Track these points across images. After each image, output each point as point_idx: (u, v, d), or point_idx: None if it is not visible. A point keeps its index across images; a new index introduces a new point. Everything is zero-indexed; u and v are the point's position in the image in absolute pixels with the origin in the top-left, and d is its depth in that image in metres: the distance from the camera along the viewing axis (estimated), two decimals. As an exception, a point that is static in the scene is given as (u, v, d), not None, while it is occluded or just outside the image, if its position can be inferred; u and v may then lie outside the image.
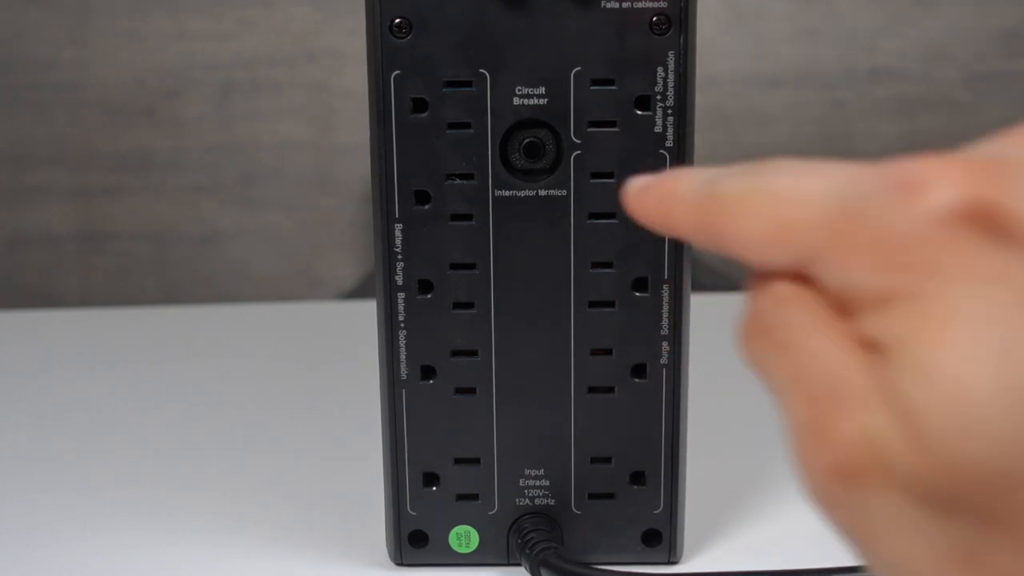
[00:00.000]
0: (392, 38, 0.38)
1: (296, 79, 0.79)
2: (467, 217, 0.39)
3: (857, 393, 0.21)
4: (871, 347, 0.21)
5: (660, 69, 0.38)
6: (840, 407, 0.21)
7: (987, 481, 0.19)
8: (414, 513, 0.42)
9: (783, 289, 0.23)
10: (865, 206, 0.21)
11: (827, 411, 0.21)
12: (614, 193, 0.39)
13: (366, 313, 0.49)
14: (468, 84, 0.38)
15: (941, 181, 0.20)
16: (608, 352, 0.40)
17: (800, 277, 0.23)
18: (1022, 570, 0.20)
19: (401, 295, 0.40)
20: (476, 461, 0.41)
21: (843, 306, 0.22)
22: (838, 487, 0.21)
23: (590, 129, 0.38)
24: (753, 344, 0.24)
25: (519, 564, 0.41)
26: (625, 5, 0.37)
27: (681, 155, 0.39)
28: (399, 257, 0.40)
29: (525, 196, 0.39)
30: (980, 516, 0.20)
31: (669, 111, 0.38)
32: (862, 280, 0.21)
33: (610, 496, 0.41)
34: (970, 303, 0.20)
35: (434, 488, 0.41)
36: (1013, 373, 0.19)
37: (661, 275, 0.39)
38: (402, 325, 0.40)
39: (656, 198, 0.27)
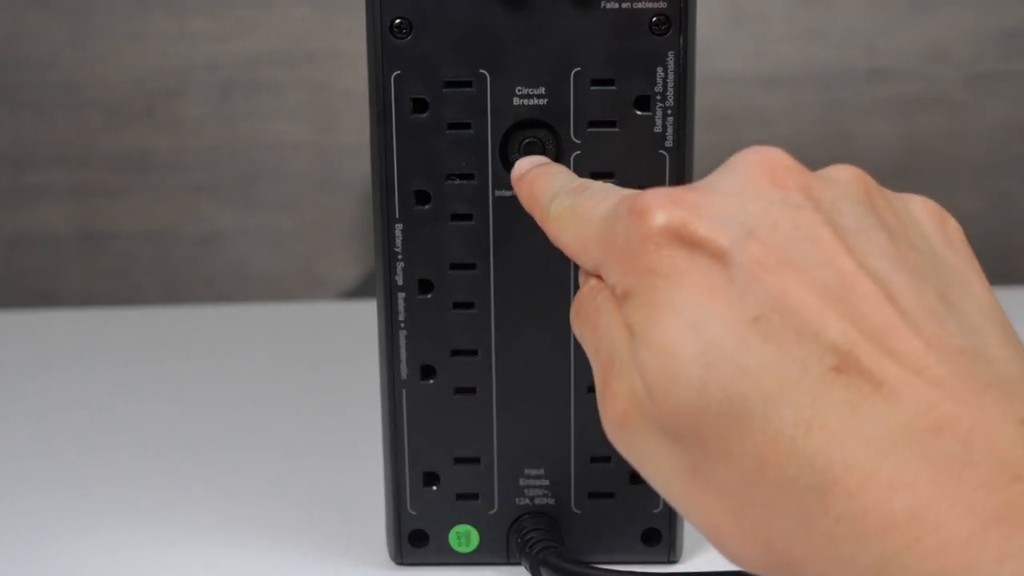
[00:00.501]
0: (392, 38, 0.38)
1: (296, 79, 0.79)
2: (467, 217, 0.39)
3: (624, 361, 0.29)
4: (629, 327, 0.29)
5: (660, 69, 0.38)
6: (615, 372, 0.29)
7: (692, 415, 0.27)
8: (414, 512, 0.42)
9: (592, 282, 0.32)
10: (617, 227, 0.30)
11: (608, 375, 0.30)
12: (614, 193, 0.39)
13: (366, 313, 0.49)
14: (468, 84, 0.38)
15: (657, 209, 0.29)
16: (608, 352, 0.40)
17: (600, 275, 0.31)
18: (728, 476, 0.27)
19: (401, 295, 0.40)
20: (476, 460, 0.41)
21: (617, 299, 0.30)
22: (618, 430, 0.29)
23: (590, 129, 0.38)
24: (576, 322, 0.32)
25: (519, 563, 0.41)
26: (625, 6, 0.37)
27: (681, 155, 0.39)
28: (399, 257, 0.40)
29: (525, 196, 0.39)
30: (695, 441, 0.27)
31: (669, 111, 0.38)
32: (619, 280, 0.30)
33: (610, 495, 0.42)
34: (675, 293, 0.28)
35: (434, 487, 0.42)
36: (701, 339, 0.27)
37: (661, 275, 0.39)
38: (402, 325, 0.40)
39: (525, 192, 0.36)
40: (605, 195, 0.32)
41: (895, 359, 0.26)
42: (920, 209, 0.31)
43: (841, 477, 0.25)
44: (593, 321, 0.31)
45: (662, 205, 0.29)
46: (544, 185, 0.35)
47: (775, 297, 0.27)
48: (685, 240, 0.28)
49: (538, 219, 0.35)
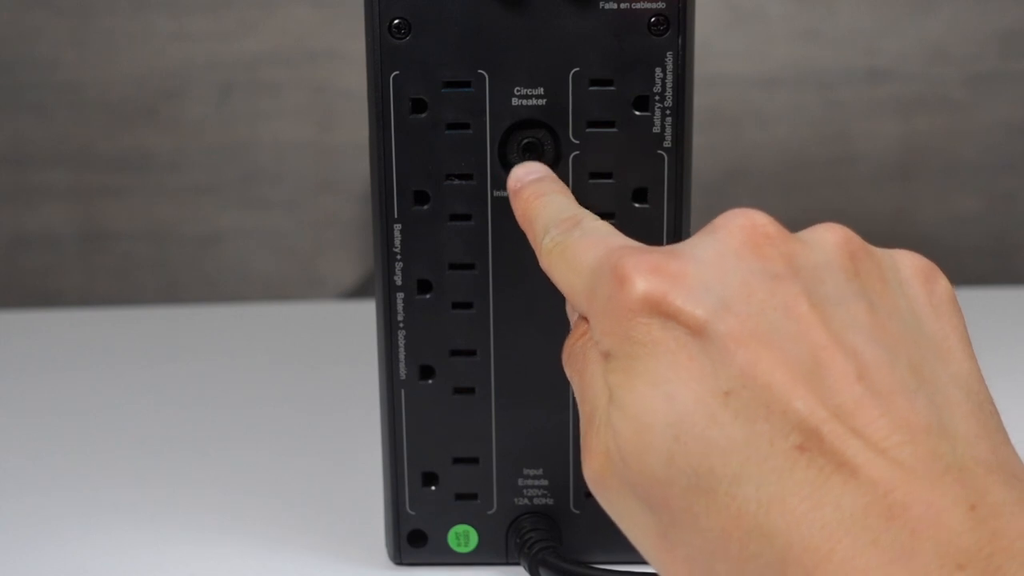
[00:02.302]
0: (391, 39, 0.38)
1: (296, 79, 0.79)
2: (466, 217, 0.39)
3: (603, 420, 0.30)
4: (608, 388, 0.30)
5: (658, 70, 0.38)
6: (594, 430, 0.30)
7: (662, 485, 0.28)
8: (413, 512, 0.42)
9: (583, 327, 0.32)
10: (600, 287, 0.31)
11: (588, 430, 0.30)
12: (613, 194, 0.39)
13: (366, 313, 0.49)
14: (467, 85, 0.38)
15: (638, 278, 0.29)
16: (607, 352, 0.40)
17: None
18: (695, 546, 0.27)
19: (400, 295, 0.40)
20: (475, 461, 0.41)
21: (602, 354, 0.31)
22: (594, 485, 0.30)
23: (588, 130, 0.38)
24: (566, 365, 0.33)
25: (518, 563, 0.41)
26: (623, 6, 0.37)
27: (679, 155, 0.39)
28: (398, 257, 0.40)
29: (524, 196, 0.39)
30: (664, 509, 0.28)
31: (667, 111, 0.38)
32: (600, 339, 0.30)
33: (609, 496, 0.42)
34: (651, 363, 0.29)
35: (433, 488, 0.42)
36: (673, 412, 0.28)
37: (659, 275, 0.39)
38: (401, 325, 0.40)
39: (519, 211, 0.37)
40: (593, 242, 0.33)
41: (860, 437, 0.26)
42: (908, 268, 0.31)
43: (799, 557, 0.25)
44: (580, 368, 0.32)
45: (643, 274, 0.29)
46: (538, 210, 0.36)
47: (745, 372, 0.27)
48: (663, 312, 0.29)
49: (532, 244, 0.36)
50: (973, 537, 0.25)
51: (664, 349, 0.29)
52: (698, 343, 0.28)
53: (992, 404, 0.29)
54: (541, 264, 0.35)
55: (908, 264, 0.31)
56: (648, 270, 0.29)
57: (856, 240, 0.31)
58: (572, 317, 0.35)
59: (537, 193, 0.37)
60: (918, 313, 0.30)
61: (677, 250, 0.30)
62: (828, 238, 0.30)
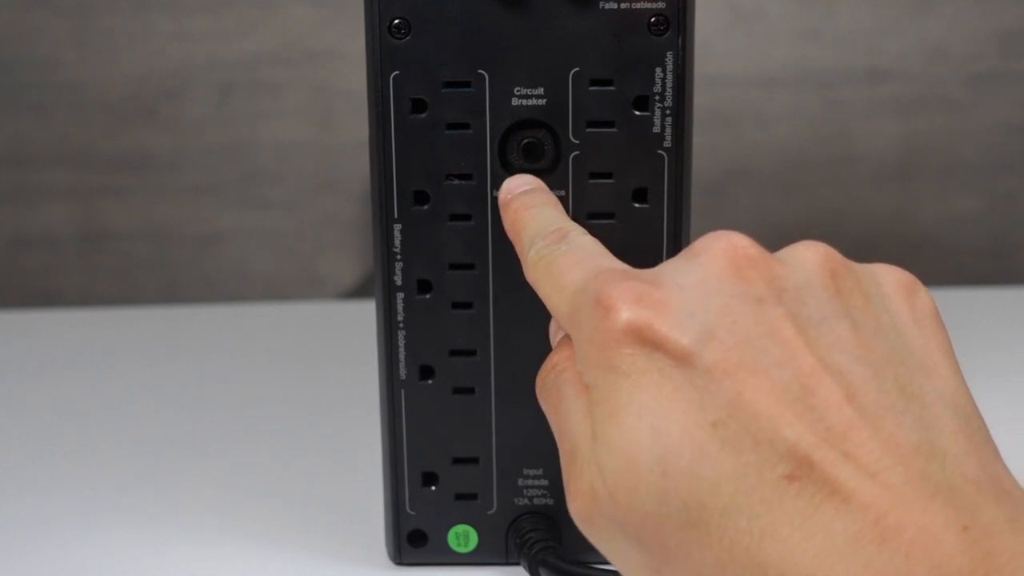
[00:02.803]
0: (391, 39, 0.38)
1: (296, 79, 0.79)
2: (466, 217, 0.39)
3: (586, 459, 0.29)
4: (591, 422, 0.29)
5: (658, 70, 0.38)
6: (577, 470, 0.30)
7: (653, 521, 0.27)
8: (413, 513, 0.42)
9: (555, 359, 0.32)
10: (583, 312, 0.30)
11: (571, 470, 0.30)
12: (612, 194, 0.39)
13: (366, 313, 0.49)
14: (467, 85, 0.38)
15: (622, 307, 0.29)
16: (607, 352, 0.40)
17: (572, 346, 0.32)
18: None
19: (400, 295, 0.40)
20: (475, 461, 0.41)
21: (582, 385, 0.30)
22: (582, 524, 0.30)
23: (588, 130, 0.38)
24: (539, 396, 0.33)
25: (518, 564, 0.41)
26: (623, 6, 0.37)
27: (679, 155, 0.39)
28: (398, 257, 0.40)
29: (524, 196, 0.39)
30: (657, 545, 0.28)
31: (667, 111, 0.38)
32: (583, 370, 0.30)
33: (609, 496, 0.42)
34: (636, 394, 0.28)
35: (433, 488, 0.42)
36: (660, 446, 0.27)
37: (659, 275, 0.39)
38: (401, 325, 0.40)
39: (508, 222, 0.37)
40: (578, 259, 0.32)
41: (850, 461, 0.26)
42: (890, 283, 0.31)
43: None
44: (555, 402, 0.32)
45: (627, 303, 0.29)
46: (526, 221, 0.36)
47: (733, 402, 0.27)
48: (648, 341, 0.28)
49: (519, 255, 0.36)
50: (967, 559, 0.25)
51: (649, 380, 0.28)
52: (683, 373, 0.28)
53: (979, 418, 0.29)
54: (527, 276, 0.34)
55: (889, 279, 0.31)
56: (632, 299, 0.29)
57: (836, 257, 0.30)
58: (554, 340, 0.35)
59: (526, 204, 0.37)
60: (901, 328, 0.30)
61: (660, 277, 0.30)
62: (808, 257, 0.30)
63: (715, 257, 0.30)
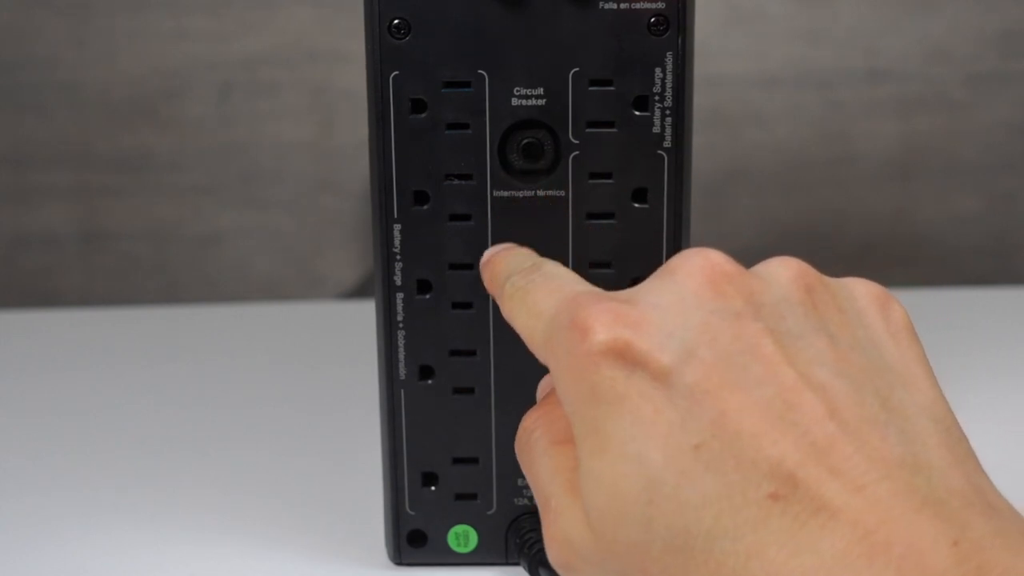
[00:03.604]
0: (391, 39, 0.38)
1: (296, 79, 0.79)
2: (466, 217, 0.39)
3: (556, 506, 0.30)
4: (566, 466, 0.30)
5: (658, 70, 0.38)
6: (551, 519, 0.30)
7: (638, 551, 0.27)
8: (413, 513, 0.42)
9: (530, 420, 0.33)
10: (558, 337, 0.30)
11: (544, 519, 0.31)
12: (612, 194, 0.39)
13: (366, 313, 0.49)
14: (467, 85, 0.38)
15: (597, 326, 0.29)
16: (606, 352, 0.40)
17: (549, 399, 0.33)
18: None
19: (400, 295, 0.40)
20: (475, 461, 0.41)
21: (551, 437, 0.32)
22: (562, 570, 0.30)
23: (588, 130, 0.38)
24: (519, 456, 0.33)
25: (517, 564, 0.41)
26: (623, 6, 0.37)
27: (679, 156, 0.39)
28: (398, 257, 0.40)
29: (523, 196, 0.39)
30: (639, 574, 0.28)
31: (667, 112, 0.38)
32: (564, 403, 0.30)
33: (608, 496, 0.42)
34: (617, 422, 0.28)
35: (433, 488, 0.42)
36: (644, 475, 0.27)
37: (659, 275, 0.39)
38: (401, 325, 0.40)
39: (487, 276, 0.37)
40: (554, 287, 0.32)
41: (836, 477, 0.26)
42: (864, 297, 0.31)
43: None
44: (528, 462, 0.32)
45: (604, 324, 0.29)
46: (502, 266, 0.36)
47: (715, 422, 0.27)
48: (627, 360, 0.28)
49: (496, 298, 0.36)
50: (958, 573, 0.24)
51: (629, 404, 0.28)
52: (664, 393, 0.28)
53: (960, 430, 0.29)
54: (503, 312, 0.34)
55: (863, 292, 0.31)
56: (609, 320, 0.29)
57: (811, 273, 0.30)
58: (539, 397, 0.35)
59: (503, 254, 0.37)
60: (877, 342, 0.30)
61: (636, 297, 0.30)
62: (783, 273, 0.30)
63: (691, 274, 0.30)
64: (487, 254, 0.38)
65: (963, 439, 0.29)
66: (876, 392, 0.28)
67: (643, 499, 0.27)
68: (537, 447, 0.32)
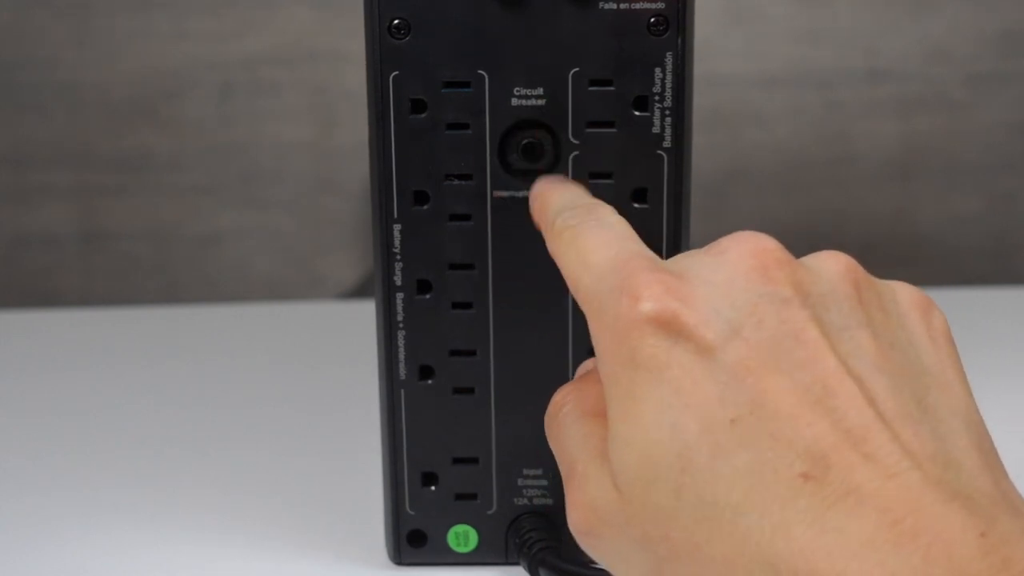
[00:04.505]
0: (390, 39, 0.38)
1: (296, 79, 0.79)
2: (466, 218, 0.39)
3: (586, 470, 0.30)
4: (597, 432, 0.31)
5: (658, 70, 0.38)
6: (575, 482, 0.31)
7: (665, 517, 0.28)
8: (413, 512, 0.42)
9: (561, 395, 0.34)
10: (607, 298, 0.30)
11: (569, 483, 0.31)
12: (612, 194, 0.39)
13: (366, 313, 0.49)
14: (466, 85, 0.38)
15: (646, 294, 0.29)
16: (606, 352, 0.40)
17: (585, 377, 0.34)
18: (693, 574, 0.27)
19: (400, 295, 0.40)
20: (475, 461, 0.41)
21: (583, 410, 0.32)
22: (581, 536, 0.31)
23: (588, 130, 0.38)
24: (547, 432, 0.34)
25: (517, 564, 0.41)
26: (623, 6, 0.37)
27: (679, 155, 0.39)
28: (397, 257, 0.40)
29: (524, 197, 0.39)
30: (663, 542, 0.28)
31: (667, 112, 0.38)
32: (601, 355, 0.30)
33: (608, 496, 0.42)
34: (654, 389, 0.28)
35: (433, 488, 0.42)
36: (678, 442, 0.28)
37: (659, 275, 0.39)
38: (401, 325, 0.40)
39: (537, 206, 0.37)
40: (608, 239, 0.32)
41: (870, 462, 0.26)
42: (907, 301, 0.31)
43: None
44: (556, 434, 0.33)
45: (654, 294, 0.29)
46: (555, 196, 0.36)
47: (754, 400, 0.27)
48: (672, 331, 0.29)
49: (543, 230, 0.36)
50: (985, 564, 0.25)
51: (669, 374, 0.28)
52: (705, 367, 0.28)
53: (990, 440, 0.29)
54: (549, 247, 0.34)
55: (906, 296, 0.31)
56: (660, 291, 0.29)
57: (859, 270, 0.31)
58: (580, 372, 0.36)
59: (555, 186, 0.37)
60: (917, 345, 0.30)
61: (687, 271, 0.30)
62: (832, 266, 0.31)
63: (743, 256, 0.30)
64: (538, 185, 0.38)
65: (993, 448, 0.29)
66: (912, 391, 0.29)
67: (676, 466, 0.28)
68: (568, 419, 0.32)
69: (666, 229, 0.39)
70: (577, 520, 0.31)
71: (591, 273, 0.32)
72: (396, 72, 0.38)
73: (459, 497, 0.42)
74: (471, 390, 0.41)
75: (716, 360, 0.28)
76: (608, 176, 0.39)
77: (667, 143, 0.39)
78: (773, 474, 0.27)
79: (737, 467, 0.27)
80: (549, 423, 0.34)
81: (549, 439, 0.34)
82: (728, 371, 0.28)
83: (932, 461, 0.27)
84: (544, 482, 0.41)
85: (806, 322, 0.28)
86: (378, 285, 0.40)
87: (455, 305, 0.40)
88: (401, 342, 0.40)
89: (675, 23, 0.38)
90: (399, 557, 0.42)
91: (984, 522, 0.25)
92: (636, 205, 0.39)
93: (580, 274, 0.32)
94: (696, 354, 0.28)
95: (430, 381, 0.41)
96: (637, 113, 0.38)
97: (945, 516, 0.25)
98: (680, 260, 0.31)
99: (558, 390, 0.34)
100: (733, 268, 0.30)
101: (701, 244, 0.32)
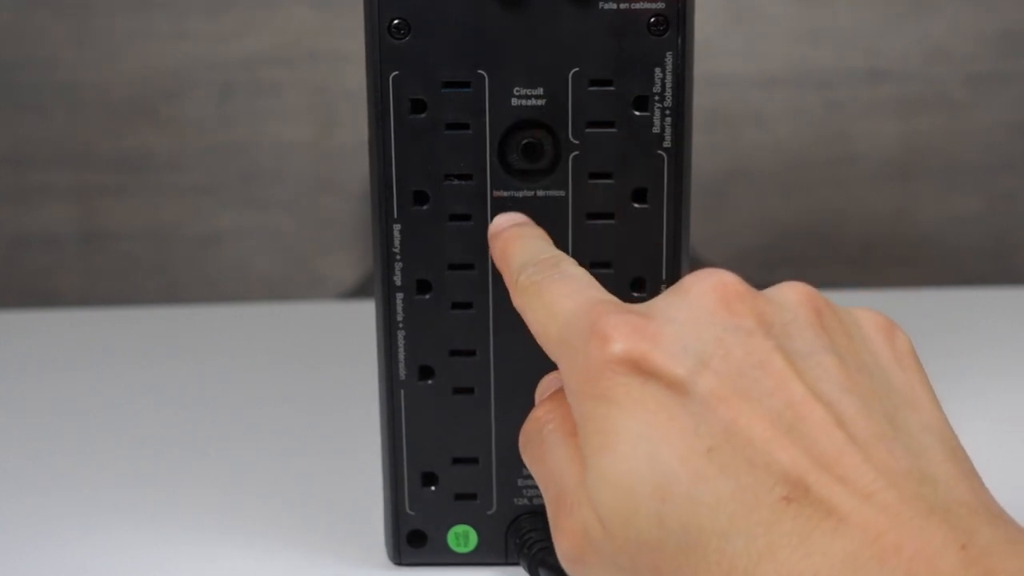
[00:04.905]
0: (390, 39, 0.38)
1: (296, 79, 0.79)
2: (466, 218, 0.39)
3: (574, 498, 0.30)
4: (581, 459, 0.30)
5: (658, 70, 0.38)
6: (565, 510, 0.30)
7: (650, 548, 0.28)
8: (412, 513, 0.42)
9: (542, 412, 0.33)
10: (577, 342, 0.31)
11: (558, 512, 0.31)
12: (612, 194, 0.39)
13: (366, 313, 0.49)
14: (466, 85, 0.38)
15: (615, 335, 0.30)
16: (606, 352, 0.40)
17: (559, 395, 0.33)
18: None
19: (400, 295, 0.40)
20: (474, 461, 0.41)
21: (566, 431, 0.32)
22: (572, 565, 0.31)
23: (588, 130, 0.38)
24: (524, 453, 0.34)
25: (517, 564, 0.41)
26: (623, 6, 0.37)
27: (679, 156, 0.39)
28: (397, 257, 0.40)
29: (523, 197, 0.39)
30: (651, 572, 0.28)
31: (667, 112, 0.38)
32: (572, 400, 0.31)
33: (608, 496, 0.42)
34: (629, 421, 0.29)
35: (432, 488, 0.42)
36: (657, 472, 0.28)
37: (659, 276, 0.39)
38: (400, 325, 0.40)
39: (498, 252, 0.37)
40: (572, 289, 0.33)
41: (845, 485, 0.27)
42: (870, 324, 0.32)
43: None
44: (539, 454, 0.33)
45: (623, 335, 0.30)
46: (517, 249, 0.36)
47: (728, 428, 0.28)
48: (643, 370, 0.29)
49: (506, 283, 0.36)
50: (968, 575, 0.25)
51: (642, 408, 0.29)
52: (678, 401, 0.29)
53: (963, 450, 0.30)
54: (514, 301, 0.35)
55: (869, 320, 0.32)
56: (628, 331, 0.30)
57: (820, 297, 0.32)
58: (540, 397, 0.36)
59: (516, 235, 0.37)
60: (883, 366, 0.31)
61: (653, 311, 0.31)
62: (793, 296, 0.31)
63: (705, 292, 0.31)
64: (497, 225, 0.38)
65: (967, 458, 0.29)
66: (883, 410, 0.29)
67: (656, 496, 0.28)
68: (551, 438, 0.32)
69: (666, 229, 0.39)
70: (567, 548, 0.31)
71: (558, 321, 0.32)
72: (396, 72, 0.38)
73: (459, 497, 0.42)
74: (471, 390, 0.41)
75: (688, 393, 0.29)
76: (608, 176, 0.39)
77: (667, 143, 0.39)
78: (755, 499, 0.27)
79: (718, 494, 0.27)
80: (529, 441, 0.33)
81: (528, 457, 0.34)
82: (700, 402, 0.28)
83: (908, 477, 0.27)
84: (544, 482, 0.41)
85: (771, 352, 0.29)
86: (378, 285, 0.40)
87: (455, 305, 0.40)
88: (401, 342, 0.40)
89: (675, 23, 0.38)
90: (399, 557, 0.42)
91: (964, 534, 0.26)
92: (636, 205, 0.39)
93: (547, 324, 0.33)
94: (668, 389, 0.29)
95: (430, 381, 0.41)
96: (637, 113, 0.38)
97: (925, 530, 0.26)
98: (646, 303, 0.32)
99: (538, 406, 0.34)
100: (697, 305, 0.30)
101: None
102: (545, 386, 0.36)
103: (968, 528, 0.26)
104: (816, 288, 0.32)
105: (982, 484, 0.29)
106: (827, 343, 0.30)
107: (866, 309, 0.32)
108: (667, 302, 0.31)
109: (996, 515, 0.27)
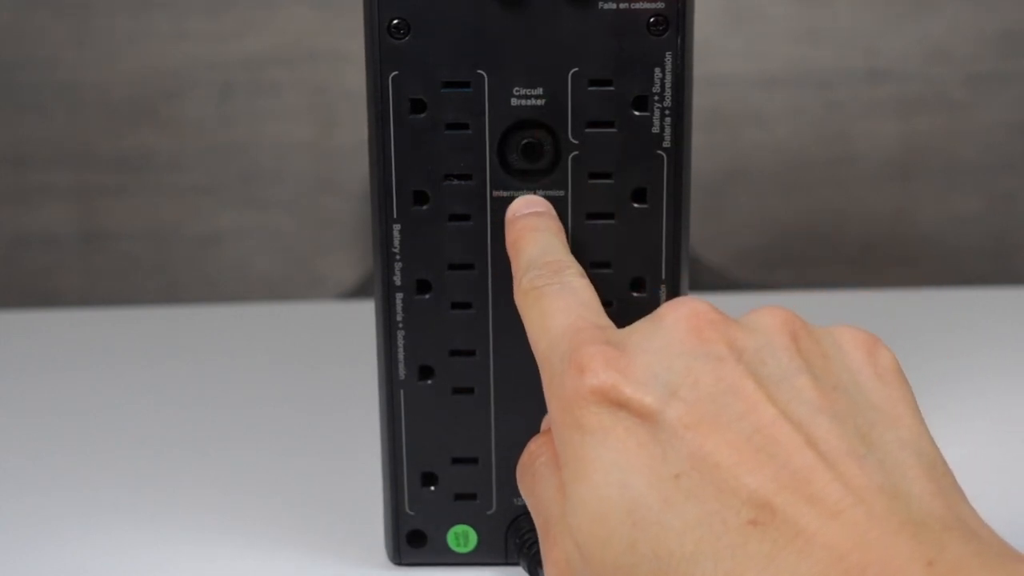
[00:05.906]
0: (390, 39, 0.38)
1: (296, 79, 0.79)
2: (465, 218, 0.39)
3: (557, 528, 0.31)
4: (562, 488, 0.31)
5: (657, 70, 0.38)
6: (551, 539, 0.32)
7: (623, 572, 0.29)
8: (412, 513, 0.42)
9: (536, 446, 0.34)
10: (556, 367, 0.32)
11: (544, 542, 0.32)
12: (612, 194, 0.39)
13: (366, 313, 0.49)
14: (466, 85, 0.38)
15: (589, 367, 0.31)
16: (606, 352, 0.40)
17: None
18: None
19: (399, 295, 0.40)
20: (474, 461, 0.41)
21: (556, 462, 0.32)
22: None
23: (588, 130, 0.38)
24: (519, 482, 0.35)
25: (517, 564, 0.41)
26: (622, 6, 0.37)
27: (679, 156, 0.39)
28: (397, 257, 0.40)
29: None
30: None
31: (667, 112, 0.38)
32: (555, 431, 0.32)
33: (608, 496, 0.42)
34: (602, 450, 0.30)
35: (432, 488, 0.42)
36: (628, 499, 0.29)
37: (659, 276, 0.39)
38: (400, 325, 0.40)
39: (510, 241, 0.38)
40: (567, 305, 0.34)
41: (812, 505, 0.27)
42: (850, 343, 0.32)
43: None
44: (531, 485, 0.34)
45: (597, 368, 0.31)
46: (527, 244, 0.37)
47: (695, 454, 0.29)
48: (614, 401, 0.30)
49: (513, 275, 0.37)
50: None
51: (614, 437, 0.30)
52: (648, 429, 0.30)
53: (945, 464, 0.30)
54: (515, 299, 0.36)
55: (849, 339, 0.32)
56: (602, 363, 0.31)
57: (796, 320, 0.32)
58: (543, 428, 0.37)
59: (530, 226, 0.38)
60: (862, 384, 0.31)
61: (629, 342, 0.32)
62: (768, 321, 0.32)
63: (678, 321, 0.31)
64: (515, 210, 0.38)
65: (948, 473, 0.30)
66: (856, 428, 0.29)
67: (627, 522, 0.29)
68: (542, 471, 0.33)
69: (666, 229, 0.39)
70: (554, 574, 0.31)
71: (547, 338, 0.33)
72: (396, 72, 0.38)
73: (459, 497, 0.42)
74: (471, 390, 0.41)
75: (658, 422, 0.29)
76: (608, 176, 0.39)
77: (667, 143, 0.39)
78: (722, 524, 0.28)
79: (686, 519, 0.28)
80: (523, 473, 0.35)
81: (522, 488, 0.35)
82: (669, 430, 0.29)
83: (880, 493, 0.27)
84: (544, 482, 0.41)
85: (742, 377, 0.30)
86: (378, 285, 0.40)
87: (455, 305, 0.40)
88: (401, 342, 0.40)
89: (675, 23, 0.38)
90: (399, 557, 0.42)
91: (933, 549, 0.26)
92: (636, 205, 0.39)
93: (539, 337, 0.34)
94: (639, 418, 0.30)
95: (430, 381, 0.41)
96: (637, 113, 0.38)
97: (892, 547, 0.26)
98: (624, 331, 0.33)
99: (531, 441, 0.35)
100: (669, 334, 0.31)
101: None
102: (547, 423, 0.37)
103: (938, 543, 0.26)
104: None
105: (962, 498, 0.29)
106: (800, 365, 0.30)
107: (847, 327, 0.33)
108: (642, 331, 0.32)
109: (971, 530, 0.27)
